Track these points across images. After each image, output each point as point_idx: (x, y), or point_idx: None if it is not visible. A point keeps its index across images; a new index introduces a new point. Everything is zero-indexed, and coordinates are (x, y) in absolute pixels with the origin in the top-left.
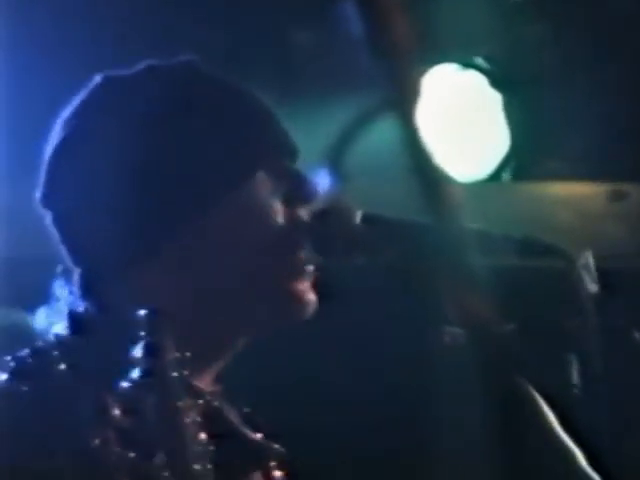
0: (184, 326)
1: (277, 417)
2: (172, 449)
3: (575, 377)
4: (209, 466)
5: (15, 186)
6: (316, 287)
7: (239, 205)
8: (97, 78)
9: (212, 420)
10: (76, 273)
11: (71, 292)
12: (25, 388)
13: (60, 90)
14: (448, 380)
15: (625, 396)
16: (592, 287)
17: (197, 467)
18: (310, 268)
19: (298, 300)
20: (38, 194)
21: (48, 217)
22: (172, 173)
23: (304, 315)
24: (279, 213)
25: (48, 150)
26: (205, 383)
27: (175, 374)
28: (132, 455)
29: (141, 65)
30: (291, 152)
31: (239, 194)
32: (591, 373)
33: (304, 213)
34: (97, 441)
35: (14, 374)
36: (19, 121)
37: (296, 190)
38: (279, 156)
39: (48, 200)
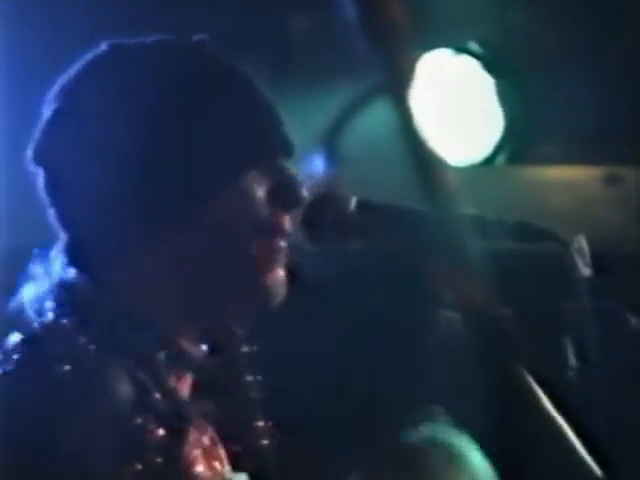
0: (171, 311)
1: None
2: None
3: (570, 360)
4: None
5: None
6: (290, 274)
7: (233, 197)
8: (103, 45)
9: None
10: (63, 239)
11: (51, 270)
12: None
13: (58, 67)
14: (443, 364)
15: (620, 379)
16: (586, 271)
17: None
18: (284, 256)
19: (270, 290)
20: (32, 150)
21: (40, 176)
22: (170, 152)
23: (274, 304)
24: (266, 207)
25: (48, 108)
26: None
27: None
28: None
29: (150, 38)
30: (287, 151)
31: (230, 189)
32: (585, 356)
33: (288, 217)
34: (139, 420)
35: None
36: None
37: (284, 195)
38: (275, 155)
39: (43, 156)
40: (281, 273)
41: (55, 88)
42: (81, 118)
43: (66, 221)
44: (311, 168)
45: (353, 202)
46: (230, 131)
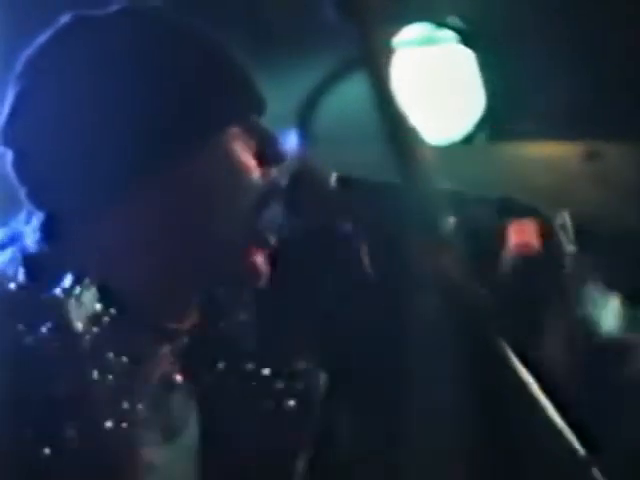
0: (140, 277)
1: None
2: None
3: (552, 335)
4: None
5: None
6: (274, 253)
7: (209, 158)
8: (66, 17)
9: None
10: (37, 217)
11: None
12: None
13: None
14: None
15: (601, 354)
16: (569, 247)
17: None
18: (273, 234)
19: (252, 270)
20: (1, 128)
21: (9, 156)
22: (140, 119)
23: (257, 284)
24: (253, 169)
25: (13, 86)
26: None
27: None
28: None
29: (113, 7)
30: (261, 107)
31: (210, 146)
32: (567, 332)
33: (276, 174)
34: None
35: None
36: None
37: (265, 149)
38: (249, 111)
39: (11, 136)
40: (262, 255)
41: (18, 65)
42: (47, 93)
43: (37, 198)
44: (286, 144)
45: (333, 178)
46: (200, 89)
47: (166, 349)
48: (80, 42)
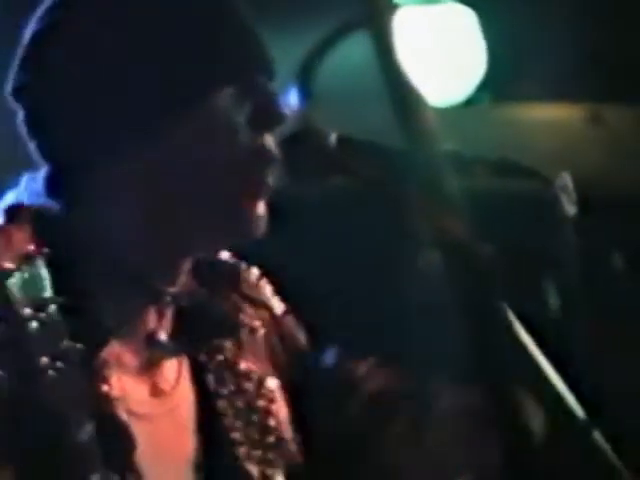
0: (139, 237)
1: None
2: None
3: (553, 299)
4: None
5: None
6: (270, 206)
7: (205, 119)
8: None
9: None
10: (44, 169)
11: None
12: None
13: None
14: (423, 303)
15: (604, 318)
16: (570, 209)
17: None
18: (268, 188)
19: (253, 220)
20: (12, 84)
21: (21, 109)
22: (143, 76)
23: (256, 234)
24: (245, 133)
25: (27, 39)
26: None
27: None
28: None
29: None
30: (266, 68)
31: (206, 107)
32: (570, 295)
33: (271, 137)
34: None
35: None
36: None
37: (263, 110)
38: (251, 71)
39: (24, 90)
40: (262, 206)
41: (30, 22)
42: (58, 49)
43: (46, 152)
44: (287, 103)
45: (333, 138)
46: (203, 45)
47: (152, 308)
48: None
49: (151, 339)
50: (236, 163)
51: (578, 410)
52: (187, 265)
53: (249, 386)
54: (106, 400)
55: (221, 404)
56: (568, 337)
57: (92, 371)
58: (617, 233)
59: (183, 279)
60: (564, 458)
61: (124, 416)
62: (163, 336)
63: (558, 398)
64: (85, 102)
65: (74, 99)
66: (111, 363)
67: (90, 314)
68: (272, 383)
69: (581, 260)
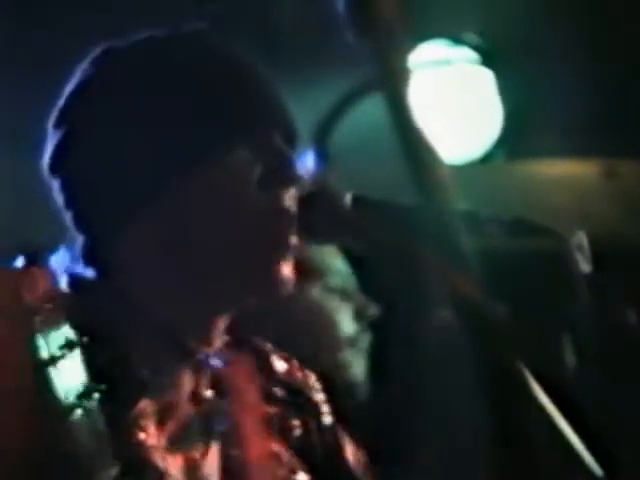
0: (166, 300)
1: None
2: None
3: (569, 358)
4: None
5: None
6: (296, 267)
7: (219, 178)
8: (97, 51)
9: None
10: (79, 241)
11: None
12: None
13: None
14: (439, 363)
15: (620, 376)
16: (586, 267)
17: None
18: (293, 248)
19: (278, 280)
20: (47, 161)
21: (56, 183)
22: (162, 139)
23: (282, 294)
24: (259, 192)
25: (59, 119)
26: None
27: None
28: None
29: (142, 36)
30: (280, 128)
31: (221, 166)
32: (586, 353)
33: (288, 196)
34: None
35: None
36: None
37: (275, 169)
38: (264, 131)
39: (59, 165)
40: (286, 266)
41: (61, 101)
42: (92, 129)
43: (80, 222)
44: (302, 164)
45: (348, 198)
46: (215, 108)
47: (188, 369)
48: (109, 80)
49: (197, 397)
50: (251, 219)
51: (595, 468)
52: (220, 325)
53: (277, 468)
54: (142, 448)
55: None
56: (584, 394)
57: (128, 420)
58: (632, 289)
59: (218, 341)
60: None
61: (159, 462)
62: (208, 393)
63: (575, 456)
64: (113, 168)
65: (104, 167)
66: (148, 415)
67: (125, 369)
68: (302, 478)
69: (596, 317)
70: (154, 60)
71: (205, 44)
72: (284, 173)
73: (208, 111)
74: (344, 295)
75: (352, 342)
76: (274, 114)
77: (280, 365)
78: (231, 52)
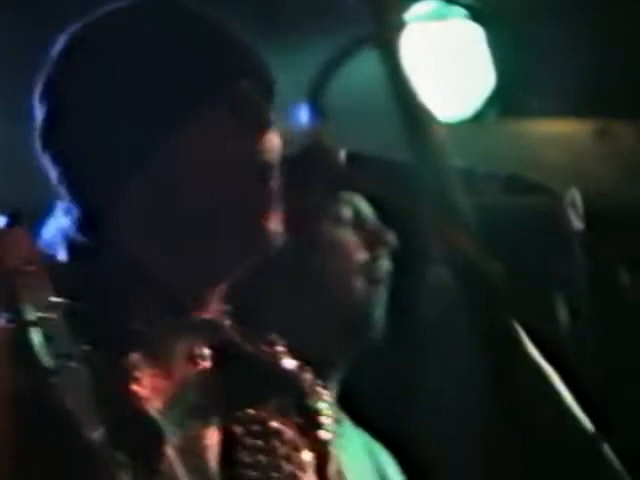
0: (161, 265)
1: None
2: None
3: (562, 315)
4: None
5: None
6: (285, 221)
7: (201, 136)
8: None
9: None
10: (74, 212)
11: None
12: None
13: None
14: (432, 319)
15: (611, 334)
16: (578, 225)
17: None
18: (279, 201)
19: (266, 234)
20: (38, 135)
21: (48, 158)
22: (143, 102)
23: (270, 249)
24: (246, 139)
25: (42, 94)
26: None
27: None
28: None
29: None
30: (258, 79)
31: (201, 122)
32: (578, 312)
33: (269, 146)
34: None
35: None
36: None
37: (249, 115)
38: (237, 77)
39: (51, 139)
40: (274, 219)
41: (42, 75)
42: (75, 100)
43: (75, 194)
44: (297, 121)
45: (342, 154)
46: (189, 61)
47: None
48: (90, 42)
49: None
50: (235, 173)
51: (588, 424)
52: (217, 290)
53: (278, 445)
54: (135, 398)
55: (242, 454)
56: (577, 352)
57: (121, 372)
58: (624, 249)
59: (215, 306)
60: (573, 470)
61: (153, 412)
62: (205, 351)
63: (568, 412)
64: (99, 136)
65: (92, 136)
66: (143, 368)
67: (119, 319)
68: (307, 456)
69: (588, 275)
70: (127, 25)
71: (175, 4)
72: (256, 118)
73: (184, 67)
74: (356, 222)
75: (366, 271)
76: (245, 64)
77: (289, 363)
78: (199, 8)
